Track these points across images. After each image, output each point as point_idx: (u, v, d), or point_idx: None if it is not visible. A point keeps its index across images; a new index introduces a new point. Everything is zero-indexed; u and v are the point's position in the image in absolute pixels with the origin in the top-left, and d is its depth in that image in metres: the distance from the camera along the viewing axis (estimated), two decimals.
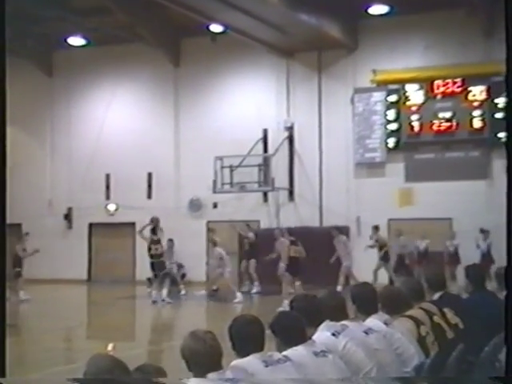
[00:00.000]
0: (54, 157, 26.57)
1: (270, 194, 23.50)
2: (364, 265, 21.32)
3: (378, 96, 22.37)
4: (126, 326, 15.20)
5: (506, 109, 3.28)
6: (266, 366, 3.99)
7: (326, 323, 4.90)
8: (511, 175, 3.25)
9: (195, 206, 24.35)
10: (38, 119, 26.57)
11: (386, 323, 5.27)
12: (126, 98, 25.60)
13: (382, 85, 22.41)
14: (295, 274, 16.65)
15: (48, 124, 26.63)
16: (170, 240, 20.73)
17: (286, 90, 23.51)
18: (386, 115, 22.36)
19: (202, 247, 24.05)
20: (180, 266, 23.59)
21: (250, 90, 24.00)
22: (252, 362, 3.99)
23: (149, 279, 20.04)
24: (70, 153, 26.10)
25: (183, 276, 23.59)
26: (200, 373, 3.72)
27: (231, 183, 22.52)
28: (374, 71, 22.38)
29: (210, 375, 3.68)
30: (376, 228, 20.23)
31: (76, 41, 24.84)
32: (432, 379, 4.10)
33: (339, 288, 18.42)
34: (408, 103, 22.13)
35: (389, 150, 22.31)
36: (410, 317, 5.41)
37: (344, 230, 21.50)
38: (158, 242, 17.98)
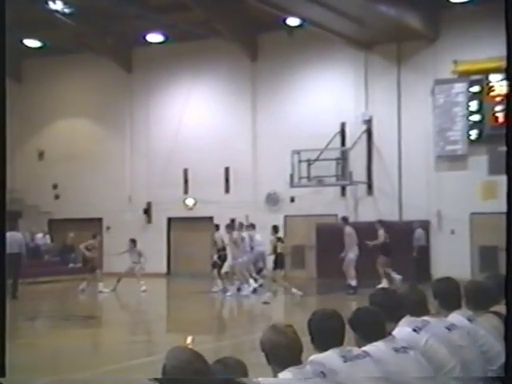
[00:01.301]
0: (133, 152, 27.05)
1: (348, 188, 23.33)
2: (442, 259, 20.99)
3: (460, 87, 21.84)
4: (204, 319, 15.33)
5: (506, 107, 3.29)
6: (345, 362, 3.92)
7: (407, 318, 4.79)
8: (511, 175, 3.20)
9: (273, 200, 24.39)
10: (117, 115, 27.10)
11: (469, 319, 5.10)
12: (203, 94, 25.82)
13: (463, 75, 21.87)
14: (280, 269, 17.30)
15: (127, 120, 27.12)
16: (132, 241, 20.95)
17: (364, 83, 23.26)
18: (468, 106, 21.79)
19: None
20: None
21: (328, 84, 23.84)
22: (331, 356, 3.91)
23: (226, 273, 20.24)
24: (149, 148, 26.53)
25: (260, 270, 23.64)
26: (280, 366, 3.67)
27: (308, 177, 22.48)
28: (456, 62, 21.86)
29: (290, 369, 3.63)
30: (380, 222, 19.76)
31: (154, 37, 25.23)
32: (433, 379, 3.97)
33: (353, 283, 18.15)
34: (492, 94, 21.51)
35: (471, 142, 21.76)
36: (496, 313, 5.21)
37: (424, 224, 21.24)
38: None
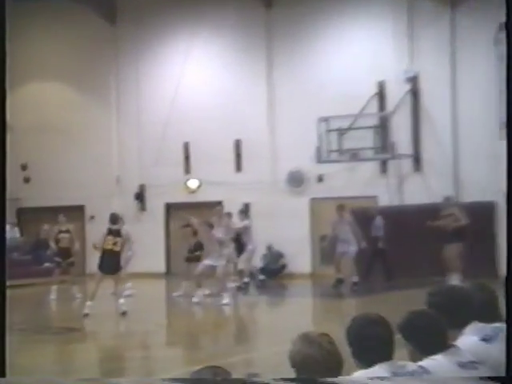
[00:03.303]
0: (121, 123, 27.12)
1: (389, 163, 23.26)
2: None
3: None
4: (214, 329, 15.33)
5: (507, 105, 3.66)
6: None
7: (474, 325, 4.80)
8: (511, 174, 3.57)
9: (295, 179, 24.36)
10: (100, 78, 27.12)
11: None
12: (206, 50, 25.79)
13: None
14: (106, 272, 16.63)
15: (113, 84, 27.17)
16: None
17: (408, 32, 23.13)
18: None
19: (304, 230, 24.04)
20: (279, 256, 23.67)
21: (362, 34, 23.82)
22: (379, 373, 3.91)
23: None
24: (140, 118, 26.56)
25: (283, 267, 23.65)
26: None
27: (340, 150, 22.48)
28: None
29: None
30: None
31: None
32: (431, 380, 3.96)
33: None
34: None
35: None
36: None
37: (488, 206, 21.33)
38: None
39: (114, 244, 16.53)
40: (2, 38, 3.77)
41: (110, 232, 16.71)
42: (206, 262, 18.36)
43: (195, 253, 19.42)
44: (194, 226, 19.57)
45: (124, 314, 16.05)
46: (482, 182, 21.91)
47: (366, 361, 3.98)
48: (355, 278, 20.00)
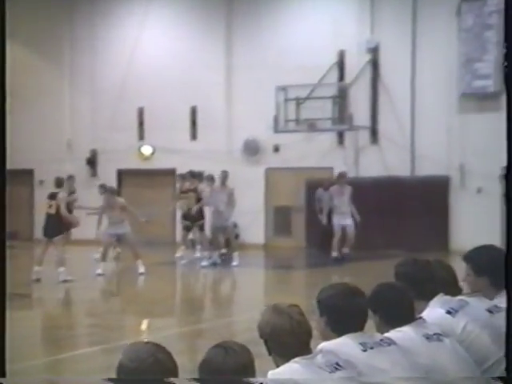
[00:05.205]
0: (74, 87, 26.84)
1: (346, 135, 23.32)
2: (465, 223, 21.14)
3: (494, 5, 21.68)
4: (163, 298, 15.34)
5: (507, 105, 3.72)
6: (364, 351, 3.92)
7: (439, 298, 4.81)
8: (511, 173, 3.53)
9: (251, 149, 24.34)
10: (54, 39, 26.79)
11: None
12: (163, 14, 25.59)
13: None
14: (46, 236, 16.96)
15: (67, 45, 26.86)
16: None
17: (369, 2, 23.10)
18: (504, 30, 21.65)
19: (259, 201, 24.08)
20: (233, 226, 23.68)
21: (324, 3, 23.73)
22: (346, 344, 3.90)
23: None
24: (94, 81, 26.33)
25: (236, 237, 23.68)
26: (283, 357, 3.68)
27: (297, 120, 22.49)
28: None
29: (297, 360, 3.59)
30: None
31: None
32: (430, 381, 4.03)
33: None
34: None
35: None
36: None
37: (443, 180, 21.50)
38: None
39: (50, 207, 16.56)
40: (1, 34, 3.65)
41: (50, 195, 16.80)
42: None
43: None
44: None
45: (65, 282, 15.98)
46: (438, 156, 22.09)
47: (340, 332, 3.96)
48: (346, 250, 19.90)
